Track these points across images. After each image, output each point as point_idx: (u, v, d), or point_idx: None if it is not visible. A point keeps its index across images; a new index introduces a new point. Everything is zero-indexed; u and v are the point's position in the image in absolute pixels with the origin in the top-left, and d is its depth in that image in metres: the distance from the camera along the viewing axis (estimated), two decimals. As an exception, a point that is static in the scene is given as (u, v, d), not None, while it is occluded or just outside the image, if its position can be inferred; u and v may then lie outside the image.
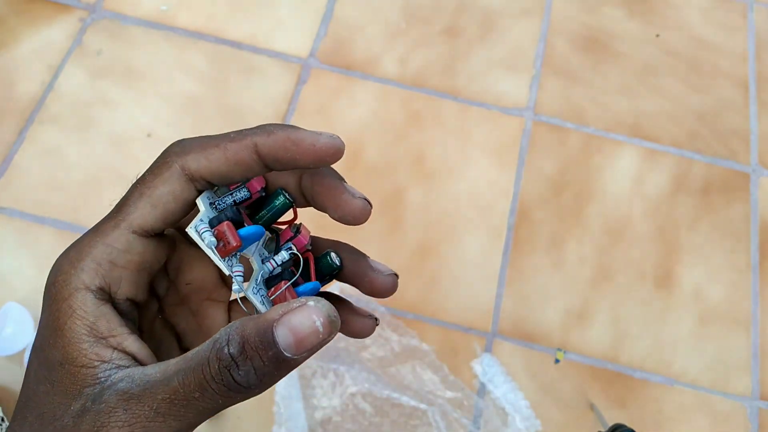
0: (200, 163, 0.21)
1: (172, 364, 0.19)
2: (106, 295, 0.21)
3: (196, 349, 0.19)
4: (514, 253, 0.78)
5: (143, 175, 0.22)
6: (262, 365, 0.19)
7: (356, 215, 0.22)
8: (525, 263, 0.78)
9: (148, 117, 0.81)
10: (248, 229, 0.22)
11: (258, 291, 0.22)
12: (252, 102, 0.84)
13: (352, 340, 0.72)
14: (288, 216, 0.24)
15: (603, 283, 0.77)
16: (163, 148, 0.22)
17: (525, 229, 0.79)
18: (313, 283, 0.23)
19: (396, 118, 0.85)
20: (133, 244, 0.21)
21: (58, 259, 0.21)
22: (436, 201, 0.80)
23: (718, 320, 0.76)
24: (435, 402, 0.70)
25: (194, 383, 0.19)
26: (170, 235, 0.24)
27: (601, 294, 0.77)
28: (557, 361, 0.73)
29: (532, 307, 0.76)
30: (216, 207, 0.22)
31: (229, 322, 0.25)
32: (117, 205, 0.22)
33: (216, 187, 0.23)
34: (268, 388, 0.19)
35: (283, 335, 0.18)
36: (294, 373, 0.70)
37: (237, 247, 0.21)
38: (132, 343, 0.21)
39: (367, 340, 0.72)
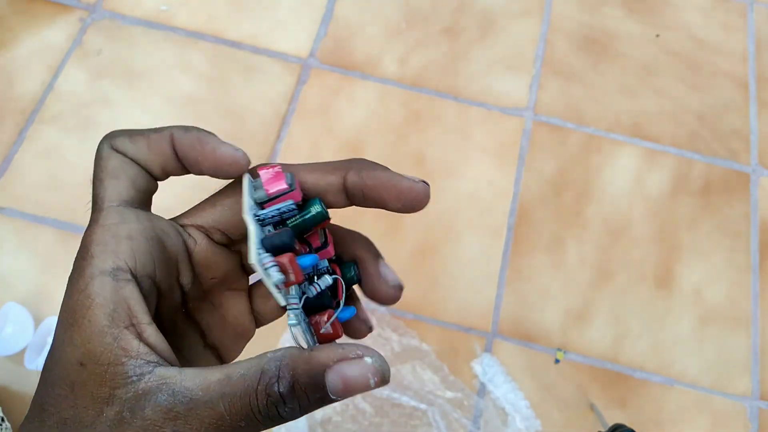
0: (126, 146, 0.22)
1: (214, 382, 0.19)
2: (123, 274, 0.20)
3: (239, 371, 0.19)
4: (514, 253, 0.78)
5: (93, 172, 0.22)
6: (308, 404, 0.19)
7: (421, 199, 0.22)
8: (525, 263, 0.78)
9: (148, 117, 0.81)
10: (305, 260, 0.21)
11: (299, 316, 0.22)
12: (252, 102, 0.84)
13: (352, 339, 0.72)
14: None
15: (603, 283, 0.77)
16: None
17: (525, 229, 0.79)
18: (350, 309, 0.24)
19: (396, 118, 0.85)
20: (124, 213, 0.21)
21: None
22: (436, 201, 0.80)
23: (718, 320, 0.76)
24: (435, 402, 0.70)
25: (241, 413, 0.19)
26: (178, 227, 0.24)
27: (601, 294, 0.77)
28: (557, 361, 0.73)
29: (532, 307, 0.76)
30: (262, 221, 0.22)
31: (252, 309, 0.25)
32: (92, 205, 0.22)
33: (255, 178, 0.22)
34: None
35: (333, 382, 0.19)
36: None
37: (299, 282, 0.21)
38: (151, 333, 0.20)
39: (367, 340, 0.72)
